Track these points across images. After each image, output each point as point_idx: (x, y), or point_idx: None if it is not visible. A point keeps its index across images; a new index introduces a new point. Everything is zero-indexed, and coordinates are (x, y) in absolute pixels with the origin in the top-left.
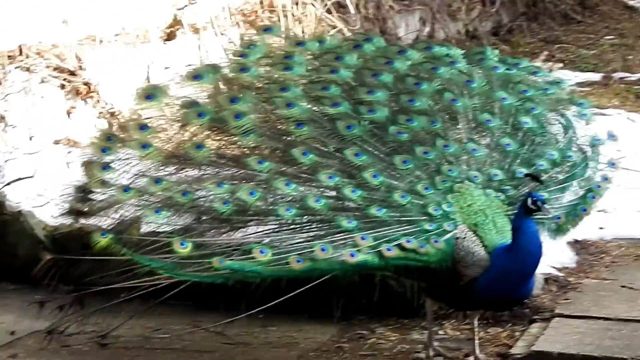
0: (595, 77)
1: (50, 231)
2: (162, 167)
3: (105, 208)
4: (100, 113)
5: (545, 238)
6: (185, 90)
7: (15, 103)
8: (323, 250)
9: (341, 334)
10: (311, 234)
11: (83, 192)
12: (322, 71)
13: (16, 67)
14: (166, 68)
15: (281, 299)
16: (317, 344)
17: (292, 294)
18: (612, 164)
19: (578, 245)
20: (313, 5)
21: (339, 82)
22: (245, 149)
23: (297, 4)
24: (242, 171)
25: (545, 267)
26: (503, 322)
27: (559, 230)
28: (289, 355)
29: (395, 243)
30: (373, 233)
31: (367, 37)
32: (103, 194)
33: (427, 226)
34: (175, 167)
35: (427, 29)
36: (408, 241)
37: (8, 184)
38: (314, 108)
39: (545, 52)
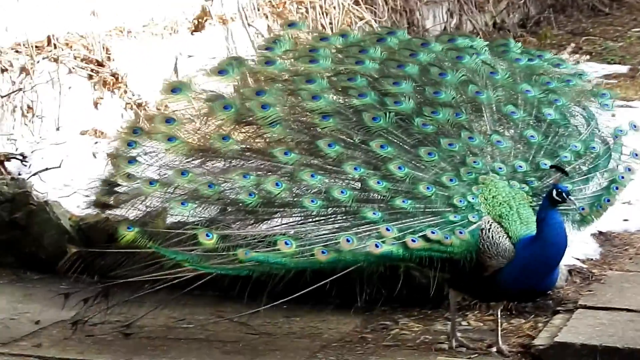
0: (622, 69)
1: (76, 221)
2: (188, 160)
3: (131, 199)
4: (128, 104)
5: (569, 229)
6: (211, 84)
7: (43, 93)
8: (348, 241)
9: (364, 325)
10: (336, 225)
11: (109, 185)
12: (348, 62)
13: (44, 58)
14: (189, 56)
15: (305, 290)
16: (340, 335)
17: (316, 285)
18: (635, 155)
19: (602, 237)
20: None
21: (364, 74)
22: (271, 141)
23: None
24: (268, 163)
25: (569, 258)
26: (526, 314)
27: (583, 221)
28: (312, 345)
29: (420, 234)
30: (398, 224)
31: (390, 30)
32: (129, 187)
33: (452, 217)
34: (201, 159)
35: (454, 21)
36: (433, 232)
37: (35, 174)
38: (340, 100)
39: (573, 44)
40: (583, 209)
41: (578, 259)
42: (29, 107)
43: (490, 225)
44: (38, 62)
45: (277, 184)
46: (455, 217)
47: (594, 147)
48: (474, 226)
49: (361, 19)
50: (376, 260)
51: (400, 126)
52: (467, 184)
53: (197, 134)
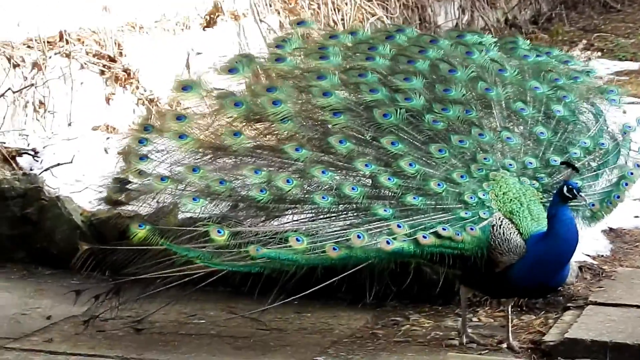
0: (634, 66)
1: (87, 217)
2: (199, 157)
3: (143, 195)
4: (139, 100)
5: (580, 225)
6: (222, 82)
7: (55, 89)
8: (359, 237)
9: (375, 321)
10: (347, 222)
11: (120, 182)
12: (358, 58)
13: (56, 53)
14: (198, 53)
15: (316, 287)
16: (351, 330)
17: (327, 282)
18: None
19: (613, 234)
20: None
21: (375, 69)
22: (282, 137)
23: None
24: (279, 159)
25: (579, 255)
26: (537, 310)
27: (593, 217)
28: (324, 341)
29: (432, 231)
30: (409, 221)
31: (399, 28)
32: (140, 183)
33: (462, 214)
34: (212, 156)
35: (466, 17)
36: (444, 229)
37: (47, 169)
38: (351, 96)
39: (584, 41)
40: (593, 205)
41: (588, 256)
42: (40, 102)
43: (501, 221)
44: (50, 57)
45: (288, 181)
46: (466, 213)
47: (603, 144)
48: (484, 222)
49: (373, 15)
50: (387, 257)
51: (410, 123)
52: (477, 180)
53: (209, 131)
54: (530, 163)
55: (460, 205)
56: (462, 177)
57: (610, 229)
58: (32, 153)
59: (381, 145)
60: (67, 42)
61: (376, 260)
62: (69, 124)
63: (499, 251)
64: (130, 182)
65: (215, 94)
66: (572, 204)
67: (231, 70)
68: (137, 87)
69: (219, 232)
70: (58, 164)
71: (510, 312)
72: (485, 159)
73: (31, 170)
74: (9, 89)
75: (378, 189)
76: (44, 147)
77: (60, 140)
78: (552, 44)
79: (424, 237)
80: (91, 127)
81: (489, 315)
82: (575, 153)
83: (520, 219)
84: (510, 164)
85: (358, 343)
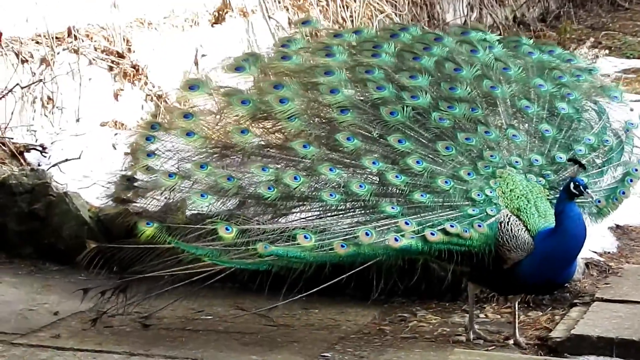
0: None
1: (95, 213)
2: (206, 154)
3: (150, 191)
4: (148, 95)
5: (587, 222)
6: (229, 80)
7: (63, 85)
8: (367, 235)
9: (382, 317)
10: (355, 219)
11: (128, 180)
12: (364, 55)
13: (65, 49)
14: (203, 56)
15: (324, 285)
16: (358, 327)
17: (335, 280)
18: None
19: (619, 231)
20: None
21: (381, 66)
22: (289, 135)
23: None
24: (287, 156)
25: (586, 251)
26: (543, 306)
27: (599, 213)
28: (331, 337)
29: (439, 228)
30: (417, 218)
31: (403, 26)
32: (148, 179)
33: (470, 211)
34: (219, 153)
35: (474, 15)
36: (452, 226)
37: (54, 165)
38: (358, 93)
39: (592, 39)
40: (599, 201)
41: (595, 252)
42: (49, 98)
43: (509, 218)
44: (58, 53)
45: (295, 178)
46: (473, 210)
47: (607, 140)
48: (492, 219)
49: (381, 12)
50: (395, 254)
51: (417, 120)
52: (484, 177)
53: (216, 128)
54: (536, 160)
55: (467, 203)
56: (469, 174)
57: (617, 226)
58: (40, 149)
59: (388, 143)
60: (76, 38)
61: (384, 258)
62: (77, 120)
63: (506, 248)
64: (137, 179)
65: (222, 91)
66: (578, 200)
67: (238, 68)
68: (146, 83)
69: (227, 229)
70: (66, 160)
71: (517, 309)
72: (491, 156)
73: (39, 165)
74: (17, 84)
75: (386, 187)
76: (52, 143)
77: (68, 136)
78: (560, 41)
79: (432, 234)
80: (99, 123)
81: (495, 312)
82: (580, 150)
83: (527, 216)
84: (517, 161)
85: (365, 339)
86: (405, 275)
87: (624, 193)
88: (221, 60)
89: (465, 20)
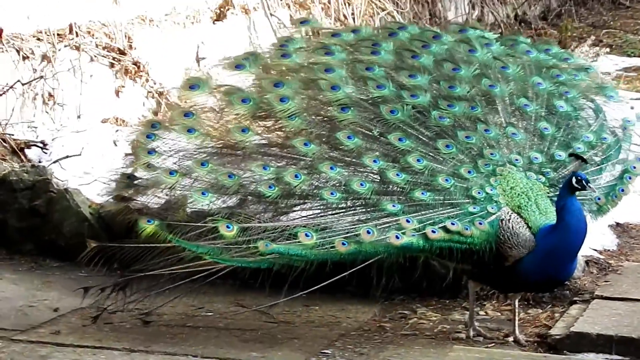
0: None
1: (96, 209)
2: (207, 152)
3: (151, 187)
4: (149, 92)
5: (587, 218)
6: (231, 78)
7: (65, 81)
8: (368, 233)
9: (383, 314)
10: (356, 217)
11: (129, 178)
12: (364, 53)
13: (66, 46)
14: (202, 59)
15: (325, 283)
16: (358, 324)
17: (337, 277)
18: None
19: (619, 229)
20: None
21: (381, 64)
22: (290, 134)
23: None
24: (288, 154)
25: (586, 249)
26: (543, 304)
27: (599, 210)
28: (331, 334)
29: (440, 225)
30: (418, 216)
31: (401, 25)
32: (149, 176)
33: (471, 209)
34: (220, 151)
35: (476, 13)
36: (453, 223)
37: (55, 161)
38: (358, 91)
39: (593, 37)
40: (599, 198)
41: (595, 250)
42: (50, 94)
43: (510, 215)
44: (59, 50)
45: (296, 176)
46: (474, 208)
47: (605, 138)
48: (493, 217)
49: (383, 10)
50: (396, 252)
51: (417, 119)
52: (485, 175)
53: (217, 127)
54: (536, 158)
55: (468, 200)
56: (469, 172)
57: (617, 224)
58: (41, 145)
59: (389, 141)
60: (77, 35)
61: (385, 255)
62: (78, 117)
63: (508, 245)
64: (138, 177)
65: (223, 90)
66: (579, 198)
67: (238, 66)
68: (147, 80)
69: (227, 227)
70: (67, 156)
71: (517, 306)
72: (491, 154)
73: (40, 162)
74: (18, 81)
75: (386, 185)
76: (52, 140)
77: (69, 133)
78: (561, 39)
79: (433, 231)
80: (100, 120)
81: (496, 309)
82: (579, 148)
83: (528, 213)
84: (517, 159)
85: (365, 336)
86: (406, 272)
87: (623, 190)
88: (221, 59)
89: (467, 18)
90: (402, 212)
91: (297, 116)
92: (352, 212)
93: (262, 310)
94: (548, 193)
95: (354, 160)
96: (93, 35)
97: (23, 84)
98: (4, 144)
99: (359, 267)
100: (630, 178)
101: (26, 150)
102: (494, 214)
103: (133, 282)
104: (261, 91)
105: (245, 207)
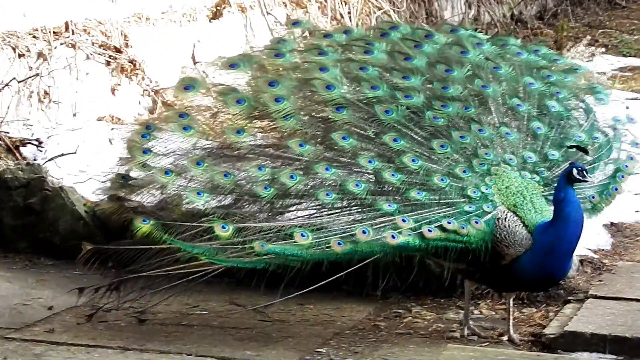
0: (638, 62)
1: (91, 207)
2: (202, 151)
3: (146, 185)
4: (145, 90)
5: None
6: (226, 76)
7: (60, 79)
8: (364, 232)
9: (378, 313)
10: (352, 217)
11: (123, 178)
12: (357, 52)
13: (62, 44)
14: (196, 63)
15: (320, 283)
16: (353, 322)
17: (333, 278)
18: (636, 144)
19: (614, 228)
20: None
21: (374, 64)
22: (285, 134)
23: None
24: (283, 155)
25: (580, 248)
26: (537, 303)
27: (594, 209)
28: (325, 332)
29: (437, 224)
30: (414, 215)
31: (393, 25)
32: (144, 175)
33: (466, 208)
34: (215, 152)
35: (472, 12)
36: (449, 222)
37: (50, 159)
38: (353, 91)
39: (589, 37)
40: (593, 197)
41: (589, 250)
42: (45, 92)
43: (506, 214)
44: (55, 47)
45: (292, 177)
46: (470, 207)
47: (596, 137)
48: (489, 216)
49: (379, 9)
50: (393, 251)
51: (412, 119)
52: (480, 175)
53: (212, 127)
54: (530, 157)
55: (464, 200)
56: (464, 172)
57: (612, 223)
58: (36, 143)
59: (384, 142)
60: (73, 33)
61: (381, 255)
62: (74, 115)
63: (505, 244)
64: (133, 177)
65: (218, 90)
66: (578, 190)
67: (232, 65)
68: (143, 78)
69: (223, 227)
70: (62, 154)
71: (511, 305)
72: (486, 153)
73: (35, 160)
74: (14, 78)
75: (382, 185)
76: (48, 137)
77: (64, 131)
78: (557, 39)
79: (429, 230)
80: (96, 118)
81: (490, 308)
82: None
83: (524, 212)
84: (511, 159)
85: (360, 335)
86: (402, 272)
87: (616, 189)
88: (216, 59)
89: (464, 18)
90: (398, 211)
91: (292, 116)
92: (348, 212)
93: (258, 310)
94: (543, 192)
95: (349, 160)
96: (89, 33)
97: (19, 82)
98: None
99: (355, 267)
100: (623, 177)
101: (21, 148)
102: (489, 212)
103: (128, 282)
104: (256, 91)
105: (241, 207)
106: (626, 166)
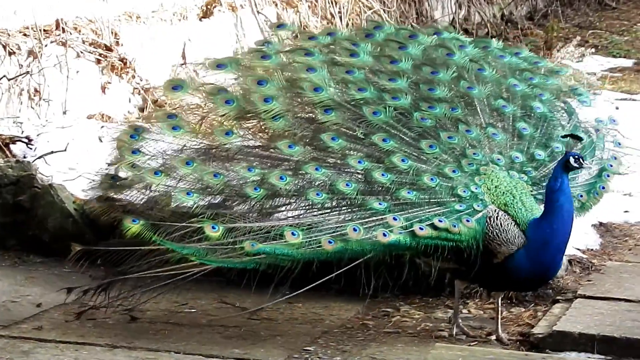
0: (627, 63)
1: (80, 205)
2: (192, 151)
3: (135, 184)
4: (135, 89)
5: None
6: (215, 76)
7: (51, 77)
8: (355, 230)
9: (366, 312)
10: (342, 216)
11: (112, 178)
12: (343, 54)
13: (52, 42)
14: (182, 64)
15: (311, 285)
16: (341, 321)
17: (322, 280)
18: (618, 144)
19: (602, 228)
20: None
21: (361, 67)
22: (274, 134)
23: None
24: (273, 156)
25: (569, 248)
26: (526, 302)
27: (582, 207)
28: (314, 331)
29: (428, 223)
30: (405, 214)
31: (377, 25)
32: (134, 174)
33: (457, 207)
34: (204, 152)
35: (462, 12)
36: (440, 221)
37: (40, 157)
38: (340, 93)
39: (579, 37)
40: (581, 195)
41: (578, 249)
42: (36, 90)
43: (497, 213)
44: (46, 45)
45: (281, 178)
46: (460, 206)
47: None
48: (479, 214)
49: (370, 9)
50: (384, 250)
51: (400, 120)
52: (469, 174)
53: (201, 129)
54: (517, 157)
55: (454, 199)
56: (454, 171)
57: (600, 224)
58: (26, 140)
59: (373, 142)
60: (64, 31)
61: (373, 254)
62: (64, 112)
63: (497, 242)
64: (122, 178)
65: (207, 89)
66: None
67: (220, 65)
68: (133, 77)
69: (213, 227)
70: (52, 152)
71: (500, 305)
72: (474, 154)
73: (24, 157)
74: (4, 76)
75: (372, 185)
76: (38, 135)
77: (54, 128)
78: (547, 40)
79: (421, 228)
80: (86, 116)
81: (478, 308)
82: (558, 147)
83: (515, 210)
84: (499, 159)
85: (348, 333)
86: (391, 271)
87: (603, 188)
88: (205, 59)
89: (454, 18)
90: (389, 210)
91: (282, 117)
92: (338, 211)
93: (245, 307)
94: (532, 191)
95: (339, 161)
96: (80, 31)
97: (9, 80)
98: None
99: (346, 268)
100: (608, 176)
101: (11, 146)
102: (480, 211)
103: (117, 283)
104: (245, 91)
105: (231, 207)
106: (611, 165)
